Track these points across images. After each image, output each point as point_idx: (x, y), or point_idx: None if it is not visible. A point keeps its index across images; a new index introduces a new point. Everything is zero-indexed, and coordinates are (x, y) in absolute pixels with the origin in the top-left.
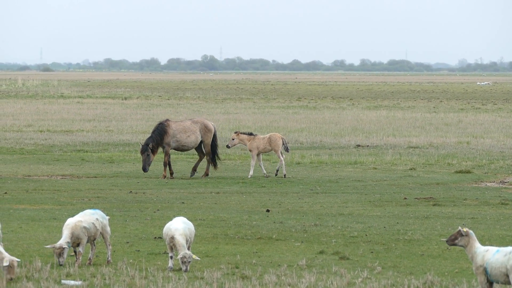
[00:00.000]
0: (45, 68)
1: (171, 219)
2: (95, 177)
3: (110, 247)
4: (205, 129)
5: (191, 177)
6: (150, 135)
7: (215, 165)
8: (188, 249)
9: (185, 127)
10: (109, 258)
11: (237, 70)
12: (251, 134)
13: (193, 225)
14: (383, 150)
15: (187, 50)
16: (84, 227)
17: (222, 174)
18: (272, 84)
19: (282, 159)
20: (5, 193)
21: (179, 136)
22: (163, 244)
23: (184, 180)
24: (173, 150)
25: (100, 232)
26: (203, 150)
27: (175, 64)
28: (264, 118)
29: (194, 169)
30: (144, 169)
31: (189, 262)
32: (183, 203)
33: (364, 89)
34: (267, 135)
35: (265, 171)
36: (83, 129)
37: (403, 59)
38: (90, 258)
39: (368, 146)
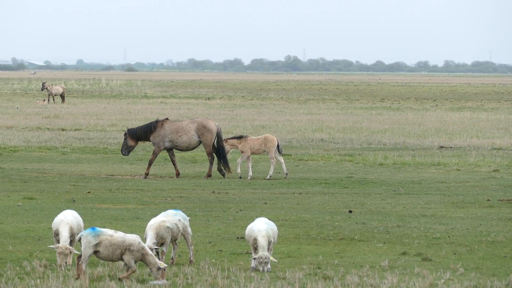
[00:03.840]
0: (129, 68)
1: (253, 220)
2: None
3: (192, 247)
4: (203, 129)
5: (224, 177)
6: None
7: (227, 168)
8: (270, 250)
9: (179, 127)
10: (192, 258)
11: (320, 71)
12: (241, 137)
13: (276, 225)
14: (466, 151)
15: (271, 51)
16: (168, 227)
17: (305, 175)
18: (355, 85)
19: (280, 159)
20: (89, 192)
21: (171, 136)
22: (246, 244)
23: (267, 180)
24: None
25: (182, 233)
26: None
27: (258, 65)
28: (347, 119)
29: (219, 169)
30: (122, 152)
31: (266, 263)
32: (265, 203)
33: (448, 91)
34: (262, 136)
35: (251, 174)
36: None
37: (487, 60)
38: (172, 258)
39: (451, 147)
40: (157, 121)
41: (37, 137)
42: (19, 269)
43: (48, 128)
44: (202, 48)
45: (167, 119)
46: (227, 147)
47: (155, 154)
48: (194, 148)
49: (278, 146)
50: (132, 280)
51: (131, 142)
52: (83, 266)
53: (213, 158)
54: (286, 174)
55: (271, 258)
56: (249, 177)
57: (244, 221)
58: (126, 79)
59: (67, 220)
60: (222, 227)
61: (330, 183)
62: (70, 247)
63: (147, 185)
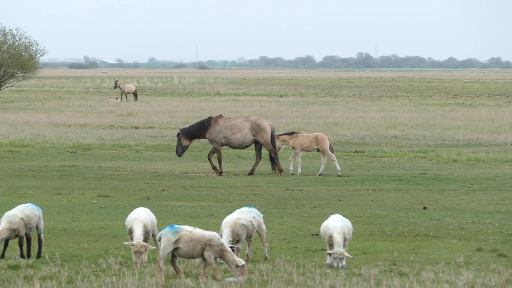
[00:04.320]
0: (201, 66)
1: (328, 217)
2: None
3: (267, 244)
4: (257, 128)
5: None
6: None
7: (274, 165)
8: (345, 246)
9: (233, 124)
10: (267, 255)
11: (392, 68)
12: (292, 133)
13: (350, 222)
14: None
15: (343, 48)
16: (243, 224)
17: (378, 172)
18: (428, 82)
19: (334, 158)
20: (163, 190)
21: (225, 133)
22: (320, 241)
23: (340, 177)
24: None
25: (256, 230)
26: (260, 151)
27: (330, 62)
28: (420, 116)
29: (251, 173)
30: (176, 153)
31: (341, 259)
32: (339, 200)
33: None
34: (313, 134)
35: (300, 171)
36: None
37: None
38: (247, 255)
39: None
40: (210, 118)
41: (110, 135)
42: (95, 267)
43: (121, 126)
44: (274, 45)
45: (221, 115)
46: (278, 143)
47: (218, 151)
48: (247, 146)
49: (330, 144)
50: (207, 277)
51: (185, 142)
52: (161, 264)
53: (276, 154)
54: (339, 171)
55: (346, 253)
56: (298, 173)
57: (318, 218)
58: (198, 77)
59: (140, 218)
60: (296, 224)
61: (404, 180)
62: (146, 244)
63: (221, 183)
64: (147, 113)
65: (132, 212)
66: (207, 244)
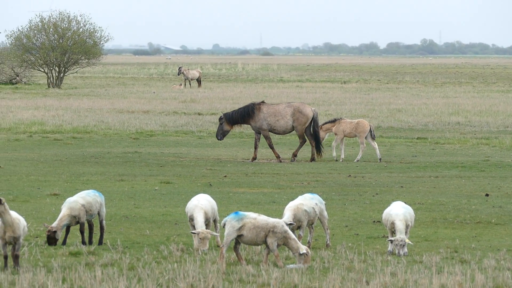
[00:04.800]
0: (265, 53)
1: (390, 204)
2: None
3: (329, 231)
4: (298, 113)
5: (291, 162)
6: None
7: (318, 152)
8: (406, 233)
9: (276, 110)
10: (328, 242)
11: (456, 54)
12: (335, 120)
13: (412, 209)
14: None
15: (406, 34)
16: (305, 210)
17: (441, 159)
18: (491, 68)
19: (374, 145)
20: (225, 176)
21: (269, 119)
22: (382, 228)
23: (403, 164)
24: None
25: (318, 217)
26: (311, 135)
27: (394, 48)
28: (484, 102)
29: (312, 159)
30: (216, 137)
31: (402, 246)
32: (401, 187)
33: None
34: (355, 120)
35: (343, 156)
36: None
37: None
38: (309, 242)
39: None
40: (253, 104)
41: (173, 122)
42: (156, 253)
43: (184, 113)
44: (337, 32)
45: (263, 102)
46: (322, 133)
47: (267, 138)
48: (290, 132)
49: (371, 131)
50: (269, 264)
51: (227, 127)
52: (223, 250)
53: (304, 141)
54: (380, 159)
55: (407, 240)
56: (341, 160)
57: (380, 205)
58: (262, 63)
59: (201, 205)
60: (358, 211)
61: (466, 167)
62: (210, 231)
63: (283, 169)
64: (211, 100)
65: (192, 199)
66: (270, 231)
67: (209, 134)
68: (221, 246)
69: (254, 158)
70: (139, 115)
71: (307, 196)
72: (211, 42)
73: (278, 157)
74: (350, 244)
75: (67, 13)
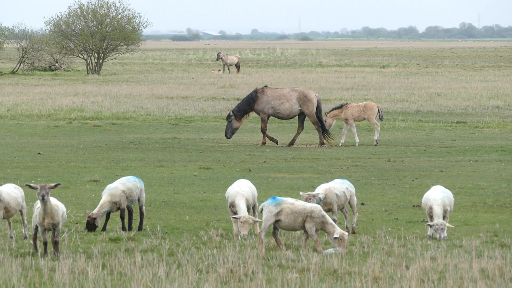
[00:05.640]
0: (303, 37)
1: (429, 188)
2: (353, 146)
3: (357, 214)
4: (304, 98)
5: (319, 147)
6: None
7: (326, 135)
8: (446, 218)
9: (281, 94)
10: (354, 225)
11: (496, 38)
12: (341, 106)
13: (452, 193)
14: None
15: (445, 18)
16: (336, 194)
17: (481, 143)
18: None
19: (377, 128)
20: (264, 161)
21: (273, 103)
22: (422, 213)
23: (442, 148)
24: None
25: (348, 201)
26: (303, 122)
27: (433, 32)
28: None
29: (291, 143)
30: (226, 135)
31: (442, 229)
32: (441, 171)
33: None
34: (362, 103)
35: (358, 140)
36: (341, 98)
37: None
38: (347, 227)
39: None
40: (256, 90)
41: (212, 107)
42: (196, 239)
43: (223, 98)
44: (376, 16)
45: (266, 86)
46: (329, 120)
47: (264, 122)
48: (294, 116)
49: (379, 112)
50: (308, 249)
51: (236, 124)
52: (262, 235)
53: (320, 126)
54: (376, 142)
55: (448, 224)
56: (357, 144)
57: (420, 189)
58: (300, 48)
59: (242, 191)
60: (398, 196)
61: (506, 151)
62: (253, 217)
63: (322, 154)
64: (249, 85)
65: (233, 185)
66: (308, 216)
67: (248, 120)
68: (259, 231)
69: (264, 143)
70: (178, 101)
71: (338, 180)
72: (249, 27)
73: (264, 143)
74: (389, 229)
75: (106, 0)
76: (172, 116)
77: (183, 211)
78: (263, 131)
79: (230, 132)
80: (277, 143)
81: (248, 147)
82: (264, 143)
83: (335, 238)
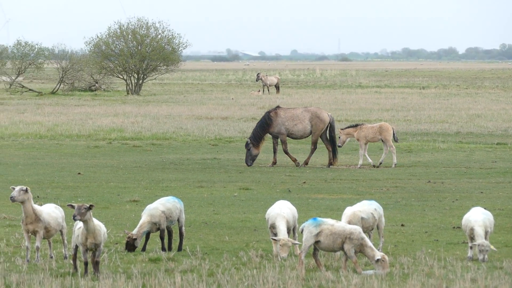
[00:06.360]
0: (343, 58)
1: (469, 209)
2: (390, 166)
3: (383, 239)
4: (316, 118)
5: (298, 167)
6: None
7: (334, 157)
8: (486, 239)
9: (294, 115)
10: (380, 246)
11: None
12: (356, 125)
13: (492, 215)
14: None
15: (485, 39)
16: (362, 218)
17: None
18: None
19: (393, 150)
20: (304, 182)
21: (287, 124)
22: (462, 234)
23: (483, 169)
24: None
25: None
26: (327, 140)
27: (473, 53)
28: None
29: (330, 164)
30: (246, 163)
31: (487, 251)
32: (481, 192)
33: None
34: (377, 124)
35: (371, 160)
36: (381, 119)
37: None
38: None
39: None
40: (269, 112)
41: (252, 128)
42: (236, 259)
43: None
44: (416, 37)
45: (278, 106)
46: (343, 136)
47: (284, 143)
48: (307, 136)
49: (394, 134)
50: (348, 270)
51: (255, 151)
52: (302, 256)
53: (315, 148)
54: (381, 163)
55: (491, 246)
56: (359, 165)
57: (460, 210)
58: (340, 69)
59: (283, 213)
60: (438, 217)
61: None
62: (292, 240)
63: (362, 175)
64: (289, 106)
65: (273, 206)
66: (347, 237)
67: (288, 140)
68: (299, 252)
69: (274, 163)
70: (217, 122)
71: (365, 202)
72: (289, 48)
73: (295, 160)
74: (429, 250)
75: (145, 20)
76: (211, 136)
77: (223, 231)
78: (285, 152)
79: (250, 159)
80: (297, 164)
81: (288, 168)
82: (295, 160)
83: (377, 260)
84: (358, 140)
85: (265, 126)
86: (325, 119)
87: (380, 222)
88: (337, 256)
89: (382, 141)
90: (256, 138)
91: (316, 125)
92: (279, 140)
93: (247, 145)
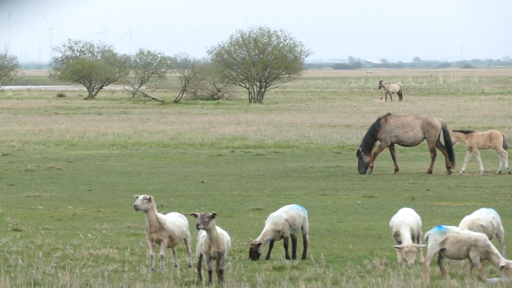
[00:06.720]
0: (466, 65)
1: None
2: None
3: (505, 246)
4: (428, 125)
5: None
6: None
7: (453, 162)
8: None
9: (404, 122)
10: (503, 253)
11: None
12: (468, 132)
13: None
14: None
15: None
16: (481, 225)
17: None
18: None
19: (504, 156)
20: (428, 190)
21: (396, 132)
22: None
23: None
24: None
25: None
26: (442, 146)
27: None
28: None
29: (447, 167)
30: (359, 171)
31: None
32: None
33: None
34: (487, 132)
35: (482, 168)
36: (504, 126)
37: None
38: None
39: None
40: (379, 119)
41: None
42: (360, 268)
43: None
44: None
45: (389, 114)
46: (453, 138)
47: (381, 148)
48: (418, 144)
49: (504, 141)
50: (473, 278)
51: (367, 158)
52: (427, 264)
53: (435, 155)
54: (500, 171)
55: None
56: (481, 172)
57: None
58: (463, 76)
59: (407, 221)
60: None
61: None
62: (417, 245)
63: (486, 182)
64: (412, 113)
65: (397, 214)
66: (472, 245)
67: (411, 148)
68: (424, 260)
69: (397, 170)
70: (340, 129)
71: (483, 210)
72: (411, 55)
73: (371, 167)
74: None
75: (267, 28)
76: (334, 144)
77: (347, 239)
78: (374, 155)
79: (363, 167)
80: (369, 172)
81: (412, 175)
82: (371, 168)
83: (502, 267)
84: (470, 147)
85: (373, 132)
86: (437, 125)
87: (499, 231)
88: (461, 263)
89: (493, 148)
90: (367, 145)
91: (429, 132)
92: (394, 146)
93: (358, 153)
